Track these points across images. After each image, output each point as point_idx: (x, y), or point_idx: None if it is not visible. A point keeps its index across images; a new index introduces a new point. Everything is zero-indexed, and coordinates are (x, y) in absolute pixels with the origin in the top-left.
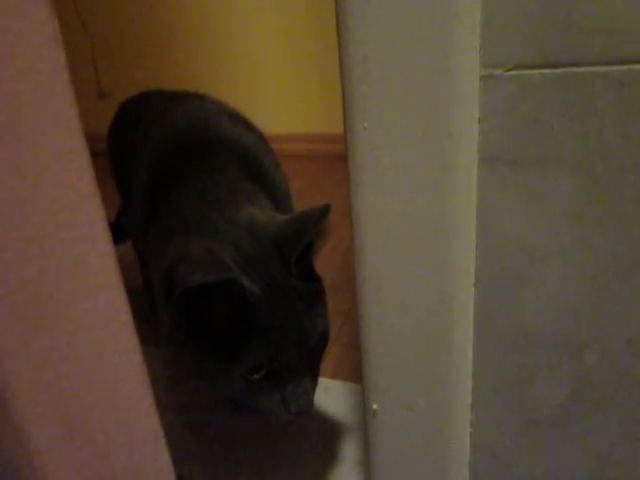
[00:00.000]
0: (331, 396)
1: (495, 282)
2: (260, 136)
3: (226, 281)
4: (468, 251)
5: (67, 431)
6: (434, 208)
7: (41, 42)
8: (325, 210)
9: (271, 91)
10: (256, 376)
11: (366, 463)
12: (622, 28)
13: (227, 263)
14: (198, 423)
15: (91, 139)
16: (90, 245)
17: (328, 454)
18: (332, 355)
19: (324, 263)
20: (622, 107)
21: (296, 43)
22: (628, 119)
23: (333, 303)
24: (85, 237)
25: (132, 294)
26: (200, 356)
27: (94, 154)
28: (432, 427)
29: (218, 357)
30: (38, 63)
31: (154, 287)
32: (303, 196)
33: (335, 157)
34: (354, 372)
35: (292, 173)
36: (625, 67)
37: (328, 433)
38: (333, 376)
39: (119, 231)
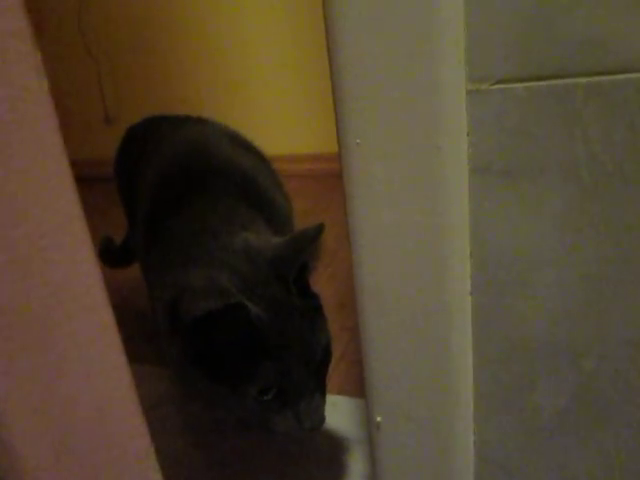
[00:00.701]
0: (339, 411)
1: (491, 291)
2: (261, 158)
3: (230, 306)
4: (463, 261)
5: (56, 450)
6: (428, 220)
7: (25, 73)
8: (318, 230)
9: (274, 112)
10: (267, 396)
11: (372, 476)
12: (603, 39)
13: (229, 289)
14: (204, 443)
15: (99, 164)
16: (75, 267)
17: (336, 468)
18: (339, 371)
19: (331, 279)
20: (605, 116)
21: (297, 63)
22: (611, 128)
23: (340, 319)
24: (70, 259)
25: (138, 314)
26: (210, 382)
27: (103, 179)
28: (436, 437)
29: (228, 381)
30: (23, 92)
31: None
32: (308, 216)
33: (339, 176)
34: (361, 388)
35: (296, 193)
36: (607, 77)
37: (336, 448)
38: (340, 392)
39: (127, 253)
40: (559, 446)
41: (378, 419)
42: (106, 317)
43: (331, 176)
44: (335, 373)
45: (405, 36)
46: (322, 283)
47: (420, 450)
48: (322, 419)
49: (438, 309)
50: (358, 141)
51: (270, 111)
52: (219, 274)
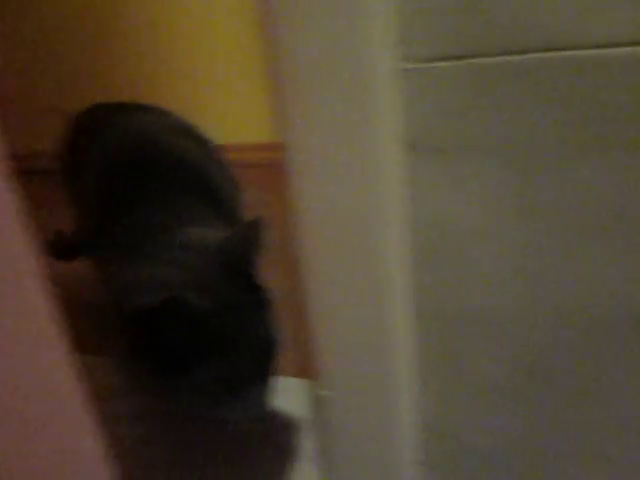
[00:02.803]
0: (290, 394)
1: (431, 264)
2: (209, 147)
3: (170, 300)
4: (400, 236)
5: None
6: (363, 196)
7: None
8: (258, 222)
9: (226, 99)
10: (214, 387)
11: (322, 451)
12: (528, 19)
13: (171, 283)
14: (152, 433)
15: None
16: (14, 261)
17: (288, 448)
18: (292, 355)
19: (281, 266)
20: (526, 95)
21: (246, 51)
22: (532, 106)
23: (293, 306)
24: (8, 252)
25: (82, 305)
26: (157, 374)
27: (48, 171)
28: (380, 409)
29: (175, 373)
30: None
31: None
32: (264, 206)
33: None
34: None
35: (252, 183)
36: (528, 56)
37: (287, 429)
38: (294, 375)
39: (76, 246)
40: (498, 410)
41: (323, 393)
42: (47, 308)
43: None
44: (288, 357)
45: (336, 17)
46: (272, 271)
47: (365, 422)
48: (267, 407)
49: (377, 283)
50: (297, 121)
51: (223, 98)
52: (165, 269)
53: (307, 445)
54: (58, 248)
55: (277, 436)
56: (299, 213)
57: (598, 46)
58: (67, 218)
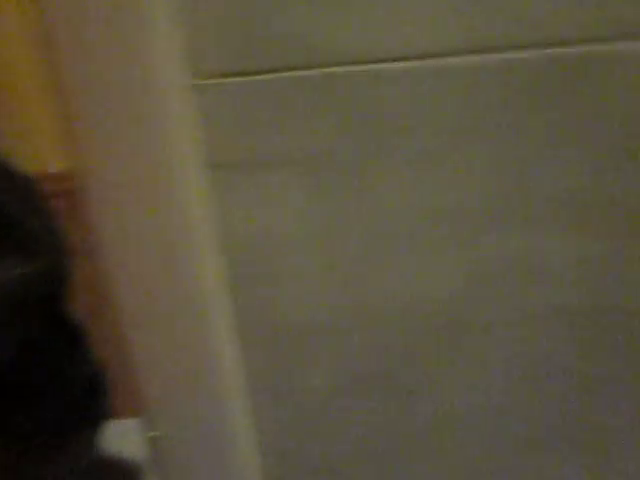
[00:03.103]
0: (127, 437)
1: (248, 282)
2: (15, 179)
3: None
4: (214, 257)
5: None
6: (171, 220)
7: None
8: (61, 253)
9: (36, 127)
10: (30, 444)
11: None
12: (314, 36)
13: None
14: None
15: None
16: None
17: None
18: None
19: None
20: (318, 108)
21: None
22: (323, 118)
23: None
24: None
25: None
26: None
27: None
28: (216, 440)
29: None
30: None
31: None
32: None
33: None
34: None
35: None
36: (318, 71)
37: (124, 475)
38: (129, 415)
39: None
40: (325, 427)
41: (154, 434)
42: None
43: None
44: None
45: (119, 39)
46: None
47: (203, 456)
48: (92, 455)
49: (195, 309)
50: (91, 148)
51: (33, 126)
52: None
53: None
54: None
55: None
56: (103, 244)
57: (380, 60)
58: None
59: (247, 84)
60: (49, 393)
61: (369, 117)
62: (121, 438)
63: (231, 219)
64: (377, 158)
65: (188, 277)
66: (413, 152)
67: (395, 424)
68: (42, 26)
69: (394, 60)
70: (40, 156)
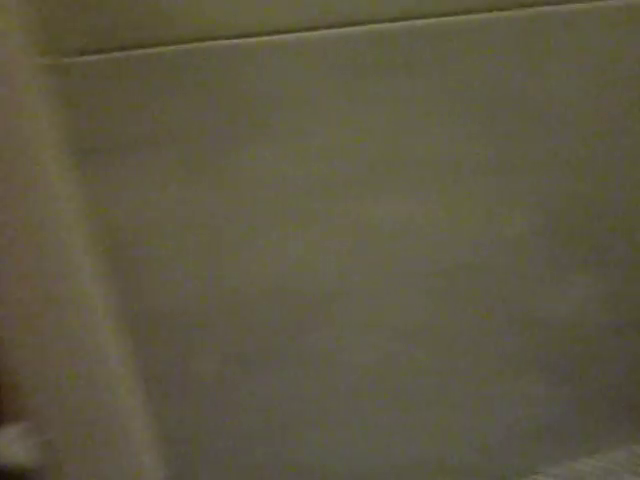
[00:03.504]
0: (14, 442)
1: (125, 270)
2: None
3: None
4: (89, 245)
5: None
6: (34, 212)
7: None
8: None
9: None
10: None
11: None
12: (171, 11)
13: None
14: None
15: None
16: None
17: None
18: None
19: None
20: (177, 85)
21: None
22: (184, 96)
23: None
24: None
25: None
26: None
27: None
28: (114, 438)
29: None
30: None
31: None
32: None
33: None
34: None
35: None
36: (179, 47)
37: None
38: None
39: None
40: (218, 405)
41: (45, 439)
42: None
43: None
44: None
45: None
46: None
47: (97, 457)
48: None
49: (73, 301)
50: None
51: None
52: None
53: None
54: None
55: None
56: None
57: (242, 35)
58: None
59: (107, 61)
60: None
61: (235, 93)
62: (8, 445)
63: (100, 205)
64: (247, 135)
65: (63, 270)
66: (285, 126)
67: (286, 398)
68: None
69: (255, 35)
70: None
